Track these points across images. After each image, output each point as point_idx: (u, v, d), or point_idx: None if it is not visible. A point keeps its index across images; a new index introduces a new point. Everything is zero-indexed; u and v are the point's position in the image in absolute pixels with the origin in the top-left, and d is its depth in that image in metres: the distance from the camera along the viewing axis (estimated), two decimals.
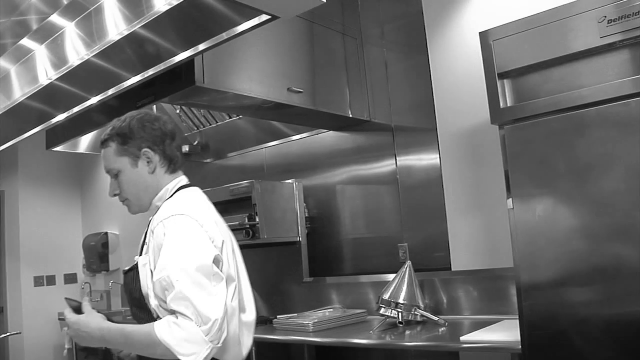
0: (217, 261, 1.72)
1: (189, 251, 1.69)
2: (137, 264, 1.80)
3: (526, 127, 2.21)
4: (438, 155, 3.42)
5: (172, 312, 1.63)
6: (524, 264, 2.24)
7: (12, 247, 6.50)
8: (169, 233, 1.71)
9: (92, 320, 1.75)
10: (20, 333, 1.56)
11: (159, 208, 1.87)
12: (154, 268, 1.72)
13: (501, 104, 2.29)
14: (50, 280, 6.60)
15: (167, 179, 1.93)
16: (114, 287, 6.16)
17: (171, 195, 1.90)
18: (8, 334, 1.49)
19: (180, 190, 1.92)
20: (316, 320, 3.23)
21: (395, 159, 3.68)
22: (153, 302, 1.72)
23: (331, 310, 3.56)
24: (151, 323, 1.66)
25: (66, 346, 6.19)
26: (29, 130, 3.92)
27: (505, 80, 2.32)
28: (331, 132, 4.07)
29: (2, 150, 4.25)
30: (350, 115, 3.68)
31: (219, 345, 1.62)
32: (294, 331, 3.25)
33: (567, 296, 2.13)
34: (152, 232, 1.78)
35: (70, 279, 6.72)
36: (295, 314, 3.59)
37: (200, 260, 1.67)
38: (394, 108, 3.70)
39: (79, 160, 6.87)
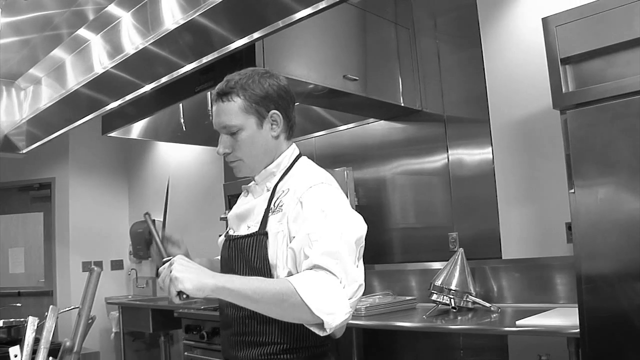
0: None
1: (348, 222, 1.59)
2: (265, 230, 1.66)
3: (589, 112, 2.23)
4: (490, 147, 3.44)
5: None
6: (585, 248, 2.24)
7: (62, 233, 6.66)
8: (321, 201, 1.60)
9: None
10: (78, 307, 1.35)
11: (274, 175, 1.77)
12: (292, 236, 1.60)
13: (563, 89, 2.30)
14: (98, 266, 6.71)
15: (286, 145, 1.79)
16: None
17: (292, 164, 1.78)
18: (68, 308, 1.39)
19: (301, 160, 1.81)
20: (368, 305, 3.27)
21: (447, 151, 3.68)
22: (281, 273, 1.60)
23: (380, 296, 3.60)
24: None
25: (113, 330, 6.36)
26: (81, 118, 4.01)
27: (567, 66, 2.34)
28: (382, 122, 4.09)
29: (54, 138, 4.37)
30: (402, 104, 3.70)
31: (351, 315, 1.49)
32: None
33: (629, 282, 2.13)
34: (292, 200, 1.65)
35: (117, 265, 6.87)
36: None
37: (358, 232, 1.59)
38: (446, 99, 3.71)
39: (127, 148, 7.02)
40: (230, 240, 1.78)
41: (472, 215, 3.55)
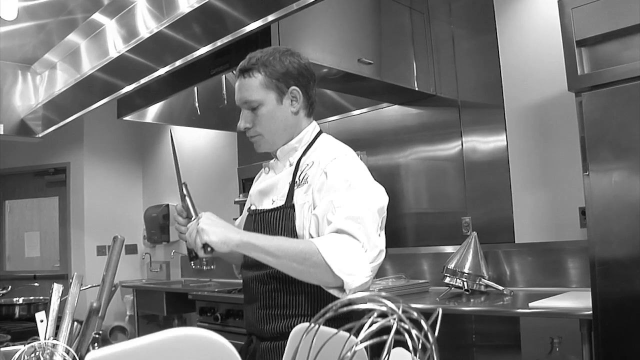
0: None
1: (370, 191, 1.64)
2: (292, 203, 1.70)
3: (605, 94, 2.22)
4: (505, 133, 3.44)
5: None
6: (599, 231, 2.25)
7: (77, 218, 6.72)
8: (345, 171, 1.64)
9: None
10: (99, 285, 1.36)
11: (295, 150, 1.81)
12: (316, 205, 1.64)
13: (579, 72, 2.30)
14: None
15: (306, 122, 1.83)
16: (175, 257, 6.32)
17: (314, 139, 1.82)
18: (89, 286, 1.41)
19: (322, 135, 1.85)
20: (381, 287, 3.29)
21: (461, 136, 3.68)
22: None
23: (394, 279, 3.62)
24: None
25: (128, 313, 6.42)
26: (96, 102, 4.03)
27: (583, 48, 2.33)
28: (395, 107, 4.09)
29: (69, 123, 4.40)
30: (417, 89, 3.70)
31: (371, 281, 1.52)
32: None
33: None
34: (317, 171, 1.69)
35: (131, 249, 6.92)
36: None
37: (381, 202, 1.64)
38: (461, 84, 3.71)
39: (141, 133, 7.06)
40: (256, 214, 1.82)
41: (486, 201, 3.56)
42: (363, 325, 0.57)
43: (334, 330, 0.54)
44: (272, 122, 1.76)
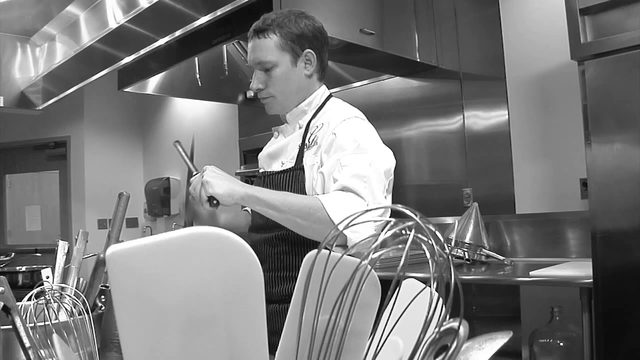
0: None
1: (378, 152, 1.66)
2: (301, 165, 1.72)
3: (608, 62, 2.21)
4: (506, 105, 3.43)
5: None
6: (600, 200, 2.25)
7: (78, 191, 6.73)
8: (354, 132, 1.66)
9: None
10: (99, 254, 1.38)
11: (305, 113, 1.82)
12: (324, 165, 1.66)
13: (582, 40, 2.29)
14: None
15: (317, 85, 1.83)
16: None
17: (324, 103, 1.83)
18: (91, 254, 1.43)
19: (332, 99, 1.86)
20: (383, 257, 3.29)
21: (463, 109, 3.67)
22: None
23: (395, 250, 3.62)
24: None
25: None
26: (96, 73, 4.03)
27: (586, 17, 2.32)
28: (397, 78, 4.07)
29: (69, 96, 4.40)
30: (418, 60, 3.68)
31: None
32: None
33: None
34: (326, 132, 1.70)
35: (132, 223, 6.93)
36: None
37: (387, 164, 1.67)
38: (463, 56, 3.68)
39: (142, 105, 7.04)
40: (265, 176, 1.84)
41: (487, 173, 3.56)
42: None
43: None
44: (285, 83, 1.77)
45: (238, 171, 4.73)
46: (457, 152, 3.71)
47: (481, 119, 3.58)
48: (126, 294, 0.43)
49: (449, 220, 3.55)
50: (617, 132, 2.20)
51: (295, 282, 1.70)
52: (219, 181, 1.52)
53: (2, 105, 4.35)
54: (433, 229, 0.47)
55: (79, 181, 6.75)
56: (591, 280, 2.26)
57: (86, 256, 1.32)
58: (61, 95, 4.39)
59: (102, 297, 0.95)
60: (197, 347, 0.44)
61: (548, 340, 2.50)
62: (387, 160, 1.69)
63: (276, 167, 1.83)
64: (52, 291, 0.83)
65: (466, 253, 3.08)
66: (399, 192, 3.95)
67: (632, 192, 2.17)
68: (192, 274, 0.43)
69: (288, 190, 1.70)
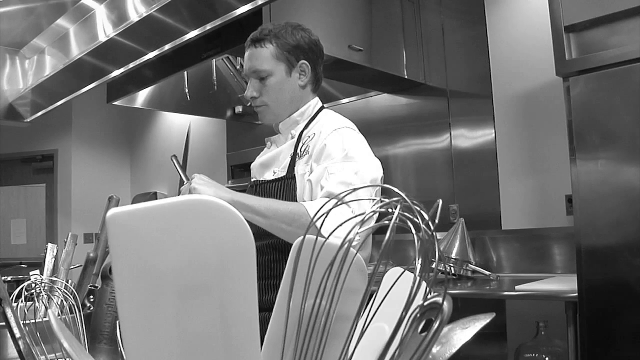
0: (381, 181, 1.72)
1: (365, 162, 1.67)
2: (293, 174, 1.74)
3: (592, 79, 2.25)
4: (493, 123, 3.47)
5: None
6: (585, 215, 2.28)
7: (64, 205, 6.69)
8: (344, 142, 1.67)
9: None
10: (81, 266, 1.38)
11: (297, 123, 1.85)
12: (312, 173, 1.68)
13: (567, 57, 2.33)
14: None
15: (311, 97, 1.87)
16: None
17: (316, 113, 1.86)
18: (77, 265, 1.42)
19: (324, 110, 1.89)
20: (369, 272, 3.30)
21: (450, 127, 3.70)
22: None
23: (381, 266, 3.63)
24: None
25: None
26: (85, 86, 4.03)
27: (571, 34, 2.36)
28: (385, 95, 4.10)
29: (57, 109, 4.39)
30: (406, 77, 3.72)
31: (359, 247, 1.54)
32: None
33: (628, 249, 2.17)
34: (317, 141, 1.72)
35: None
36: None
37: (373, 174, 1.67)
38: (450, 74, 3.72)
39: (130, 119, 7.03)
40: (257, 185, 1.86)
41: (473, 190, 3.58)
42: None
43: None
44: (279, 93, 1.80)
45: (226, 186, 4.72)
46: (444, 170, 3.73)
47: (468, 138, 3.61)
48: (125, 254, 0.44)
49: (437, 236, 3.56)
50: (602, 148, 2.23)
51: None
52: (206, 188, 1.56)
53: None
54: (419, 208, 0.48)
55: (65, 195, 6.71)
56: (576, 294, 2.28)
57: (73, 267, 1.33)
58: (49, 108, 4.38)
59: (91, 297, 0.95)
60: (190, 311, 0.46)
61: (534, 354, 2.51)
62: (375, 170, 1.70)
63: (268, 176, 1.85)
64: (43, 284, 0.84)
65: (452, 268, 3.10)
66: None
67: (616, 208, 2.20)
68: (188, 238, 0.46)
69: (280, 199, 1.72)
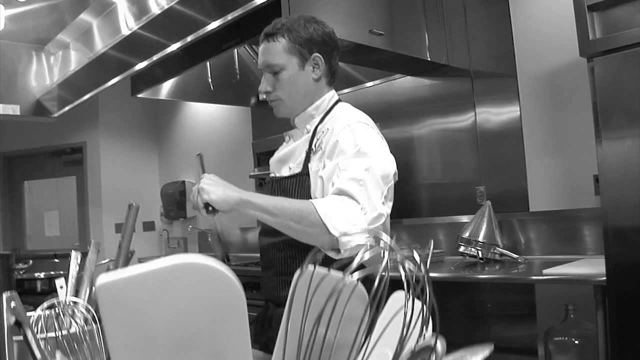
0: (394, 177, 1.71)
1: (377, 157, 1.64)
2: (307, 170, 1.74)
3: (617, 59, 2.21)
4: (518, 102, 3.42)
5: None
6: (612, 197, 2.25)
7: (95, 196, 6.79)
8: (356, 137, 1.66)
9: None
10: (113, 260, 1.38)
11: (312, 117, 1.84)
12: (324, 169, 1.68)
13: (590, 37, 2.28)
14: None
15: (326, 90, 1.86)
16: (192, 233, 6.39)
17: (331, 107, 1.84)
18: (103, 261, 1.43)
19: (340, 103, 1.87)
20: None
21: (474, 106, 3.66)
22: None
23: (408, 249, 3.63)
24: None
25: None
26: (110, 80, 4.06)
27: (594, 13, 2.31)
28: (408, 77, 4.07)
29: (84, 102, 4.44)
30: (429, 59, 3.68)
31: (369, 244, 1.53)
32: None
33: None
34: (330, 137, 1.71)
35: (149, 226, 6.99)
36: None
37: (385, 170, 1.64)
38: (473, 54, 3.68)
39: (156, 110, 7.09)
40: (274, 182, 1.87)
41: (500, 171, 3.55)
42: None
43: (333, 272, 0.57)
44: (292, 86, 1.80)
45: (252, 173, 4.75)
46: (469, 150, 3.71)
47: (493, 117, 3.57)
48: (116, 321, 0.45)
49: (463, 219, 3.55)
50: (628, 129, 2.20)
51: None
52: (214, 188, 1.55)
53: (18, 113, 4.40)
54: (407, 253, 0.48)
55: (95, 186, 6.81)
56: (604, 278, 2.25)
57: (99, 263, 1.35)
58: (76, 103, 4.44)
59: None
60: None
61: (563, 338, 2.49)
62: (386, 166, 1.67)
63: (284, 172, 1.85)
64: (65, 306, 0.86)
65: (480, 252, 3.08)
66: (412, 190, 4.00)
67: None
68: (178, 303, 0.46)
69: (295, 196, 1.72)
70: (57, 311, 0.85)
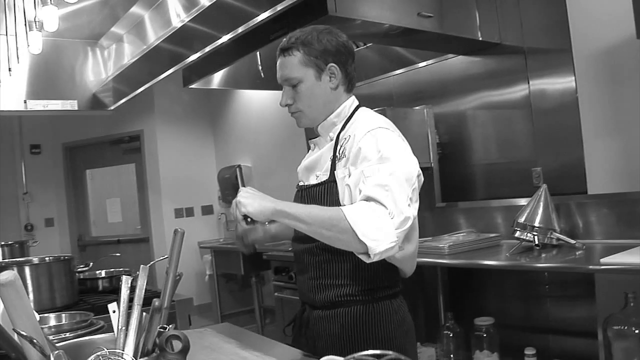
0: (419, 178, 1.74)
1: (400, 161, 1.67)
2: (334, 177, 1.78)
3: None
4: (573, 78, 3.32)
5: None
6: None
7: (154, 182, 6.97)
8: (378, 143, 1.69)
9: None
10: (167, 257, 1.43)
11: (335, 125, 1.87)
12: (350, 177, 1.72)
13: None
14: (189, 211, 7.06)
15: (345, 97, 1.90)
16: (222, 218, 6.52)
17: (352, 114, 1.88)
18: (159, 258, 1.47)
19: (360, 109, 1.90)
20: (451, 243, 3.28)
21: (528, 83, 3.57)
22: None
23: (464, 234, 3.60)
24: None
25: (207, 272, 6.65)
26: (163, 72, 4.12)
27: None
28: (460, 57, 4.00)
29: (139, 93, 4.53)
30: (480, 39, 3.60)
31: (397, 247, 1.59)
32: (429, 254, 3.29)
33: None
34: (353, 144, 1.75)
35: (207, 210, 7.13)
36: (430, 238, 3.63)
37: (408, 172, 1.67)
38: (526, 30, 3.57)
39: (209, 97, 7.19)
40: (302, 190, 1.91)
41: (556, 148, 3.46)
42: None
43: None
44: (311, 98, 1.84)
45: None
46: (524, 127, 3.63)
47: (548, 90, 3.47)
48: None
49: (520, 201, 3.48)
50: None
51: (336, 289, 1.79)
52: (251, 200, 1.63)
53: (76, 108, 4.52)
54: None
55: (154, 172, 6.98)
56: None
57: (155, 261, 1.40)
58: (131, 95, 4.53)
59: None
60: None
61: (623, 327, 2.44)
62: (410, 168, 1.69)
63: (312, 180, 1.89)
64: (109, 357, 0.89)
65: (536, 237, 3.03)
66: (467, 171, 3.95)
67: None
68: None
69: (324, 203, 1.76)
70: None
